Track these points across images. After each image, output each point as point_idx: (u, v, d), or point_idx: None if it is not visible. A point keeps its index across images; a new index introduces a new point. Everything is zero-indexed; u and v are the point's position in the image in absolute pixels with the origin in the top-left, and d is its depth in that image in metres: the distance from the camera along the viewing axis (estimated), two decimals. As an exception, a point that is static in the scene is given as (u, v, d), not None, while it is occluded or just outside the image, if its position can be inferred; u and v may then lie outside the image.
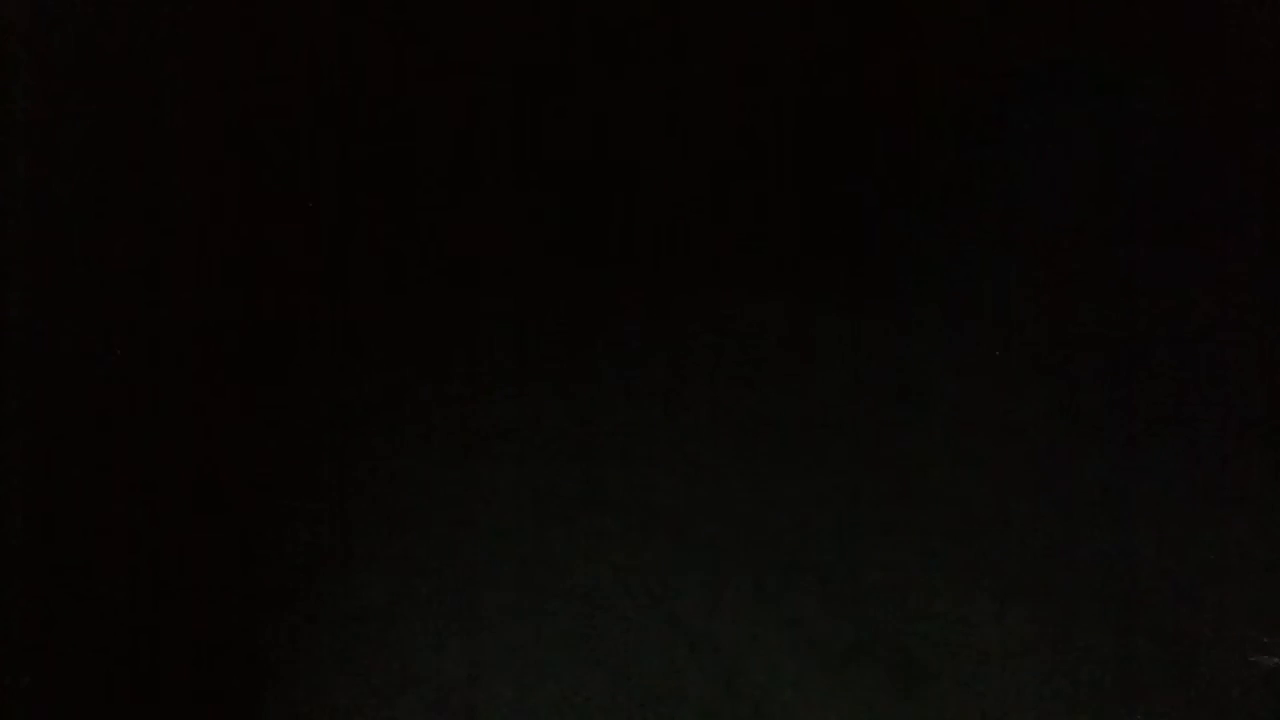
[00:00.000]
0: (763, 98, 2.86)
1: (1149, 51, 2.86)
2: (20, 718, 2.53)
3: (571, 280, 2.77)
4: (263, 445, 2.67)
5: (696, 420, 2.72)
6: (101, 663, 2.57)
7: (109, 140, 2.68)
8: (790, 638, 2.54)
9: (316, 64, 2.76)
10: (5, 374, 2.60)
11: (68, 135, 2.66)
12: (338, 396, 2.72)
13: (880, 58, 2.85)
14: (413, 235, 2.79)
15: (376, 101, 2.79)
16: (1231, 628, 2.54)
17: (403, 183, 2.80)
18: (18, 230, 2.62)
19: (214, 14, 2.70)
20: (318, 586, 2.60)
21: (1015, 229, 2.82)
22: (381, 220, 2.79)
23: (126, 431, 2.63)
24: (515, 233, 2.80)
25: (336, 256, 2.77)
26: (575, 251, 2.78)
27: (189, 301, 2.68)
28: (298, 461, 2.67)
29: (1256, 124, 2.83)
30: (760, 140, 2.85)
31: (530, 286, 2.79)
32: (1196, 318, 2.76)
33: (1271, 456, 2.64)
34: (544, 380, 2.73)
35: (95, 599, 2.58)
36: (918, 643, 2.54)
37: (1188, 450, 2.65)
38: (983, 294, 2.79)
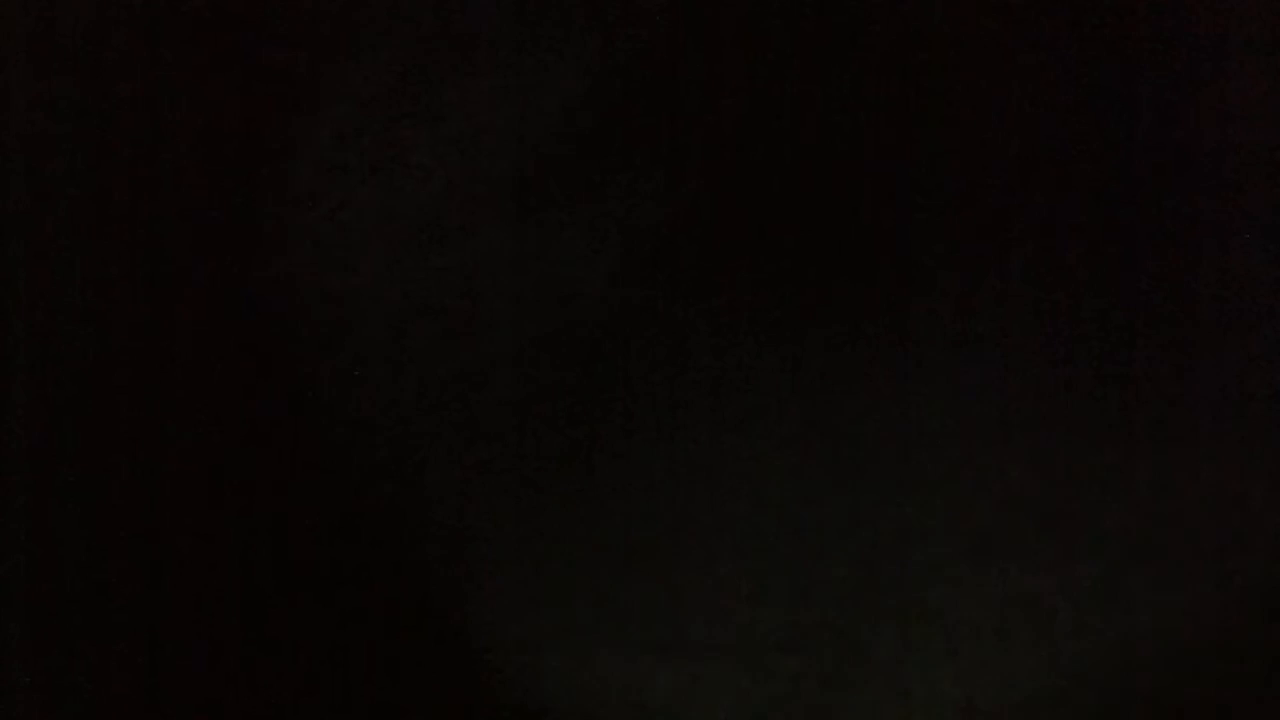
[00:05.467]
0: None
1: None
2: (20, 718, 2.54)
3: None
4: (265, 448, 2.67)
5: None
6: (101, 663, 2.57)
7: (110, 140, 2.68)
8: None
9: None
10: (5, 374, 2.60)
11: (68, 135, 2.65)
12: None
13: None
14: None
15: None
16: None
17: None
18: (17, 231, 2.62)
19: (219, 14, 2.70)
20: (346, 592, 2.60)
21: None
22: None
23: (122, 429, 2.63)
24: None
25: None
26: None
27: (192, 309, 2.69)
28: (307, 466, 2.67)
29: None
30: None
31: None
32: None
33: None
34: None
35: (96, 599, 2.59)
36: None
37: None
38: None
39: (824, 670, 2.58)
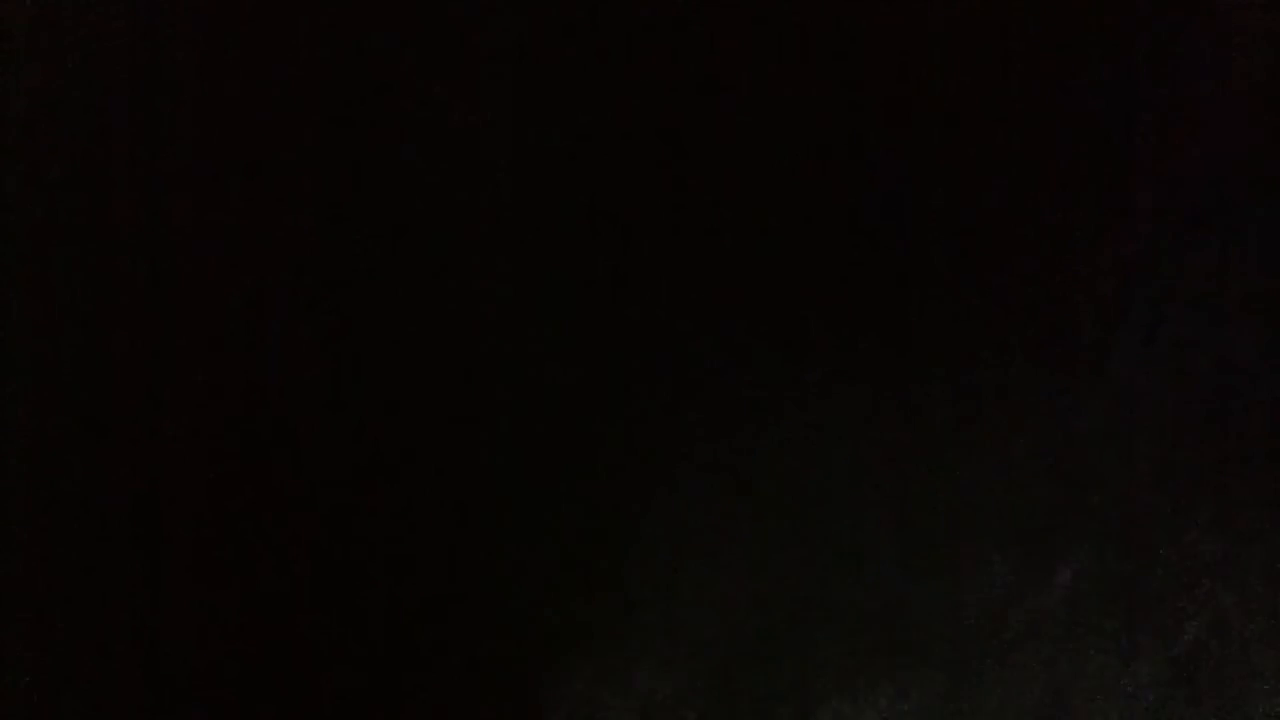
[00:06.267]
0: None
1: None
2: (20, 718, 2.53)
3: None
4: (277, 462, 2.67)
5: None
6: (101, 663, 2.57)
7: (109, 140, 2.67)
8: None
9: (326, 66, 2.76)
10: (5, 374, 2.60)
11: (67, 135, 2.65)
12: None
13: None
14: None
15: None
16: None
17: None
18: (17, 230, 2.62)
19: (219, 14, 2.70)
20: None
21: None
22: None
23: (122, 428, 2.63)
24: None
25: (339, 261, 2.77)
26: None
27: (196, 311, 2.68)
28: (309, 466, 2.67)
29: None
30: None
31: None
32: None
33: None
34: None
35: (96, 599, 2.59)
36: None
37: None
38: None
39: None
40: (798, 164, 2.81)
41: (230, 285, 2.69)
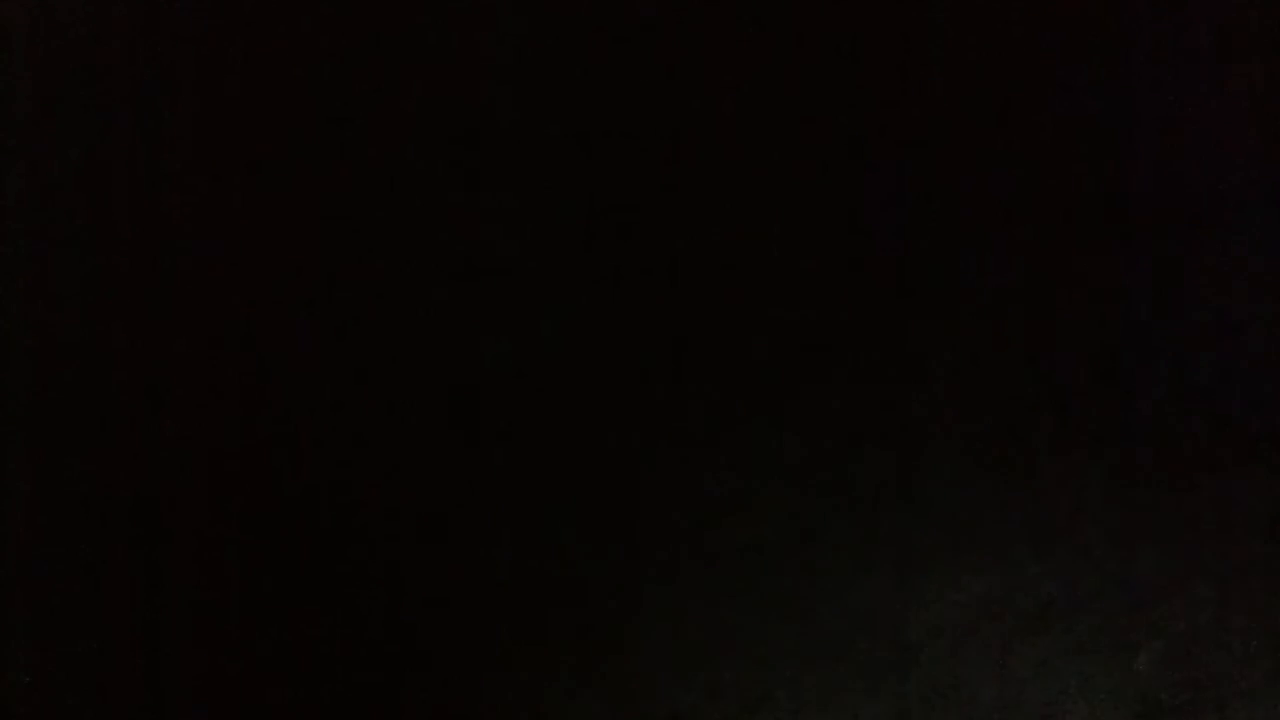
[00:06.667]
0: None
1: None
2: (20, 718, 2.54)
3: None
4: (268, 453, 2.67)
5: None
6: (101, 663, 2.57)
7: (109, 141, 2.68)
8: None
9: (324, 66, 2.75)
10: (5, 374, 2.60)
11: (68, 135, 2.65)
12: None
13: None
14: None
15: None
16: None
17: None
18: (17, 230, 2.62)
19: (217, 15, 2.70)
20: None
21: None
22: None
23: (122, 428, 2.63)
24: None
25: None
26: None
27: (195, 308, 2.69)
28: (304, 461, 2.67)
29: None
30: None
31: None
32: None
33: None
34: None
35: (96, 599, 2.59)
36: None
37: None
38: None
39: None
40: (797, 164, 2.81)
41: (230, 285, 2.70)
